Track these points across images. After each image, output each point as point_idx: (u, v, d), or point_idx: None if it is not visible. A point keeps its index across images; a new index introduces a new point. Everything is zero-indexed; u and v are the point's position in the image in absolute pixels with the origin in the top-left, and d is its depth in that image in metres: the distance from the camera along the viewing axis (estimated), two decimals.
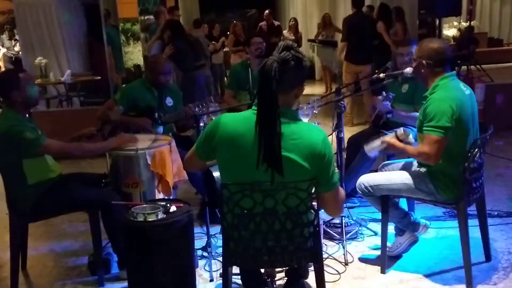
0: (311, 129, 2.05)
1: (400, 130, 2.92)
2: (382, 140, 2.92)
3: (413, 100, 3.60)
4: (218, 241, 3.40)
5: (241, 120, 2.04)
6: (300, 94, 2.08)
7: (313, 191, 2.03)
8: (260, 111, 1.93)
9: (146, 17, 12.83)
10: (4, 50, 10.05)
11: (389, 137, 2.92)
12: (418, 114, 2.88)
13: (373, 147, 2.98)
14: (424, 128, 2.69)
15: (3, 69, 10.01)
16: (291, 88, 2.02)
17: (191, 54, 6.33)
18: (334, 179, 2.08)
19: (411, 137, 2.91)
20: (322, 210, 2.20)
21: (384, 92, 3.52)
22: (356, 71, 6.79)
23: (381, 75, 3.43)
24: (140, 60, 12.20)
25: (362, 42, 6.79)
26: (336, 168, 2.10)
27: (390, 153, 3.56)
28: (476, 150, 2.73)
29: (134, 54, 12.83)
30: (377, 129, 3.76)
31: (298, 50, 2.00)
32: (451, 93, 2.71)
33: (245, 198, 2.02)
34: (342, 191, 2.18)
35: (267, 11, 10.19)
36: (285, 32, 10.22)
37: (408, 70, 3.10)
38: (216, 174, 2.71)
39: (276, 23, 10.30)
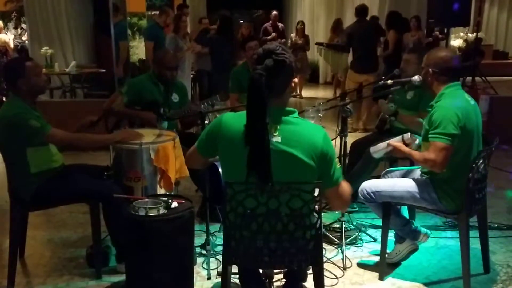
0: (311, 128, 2.07)
1: (407, 135, 2.90)
2: (388, 143, 2.92)
3: (419, 107, 3.60)
4: (217, 239, 3.39)
5: (243, 119, 2.02)
6: (294, 87, 2.13)
7: (316, 193, 2.02)
8: (249, 124, 1.93)
9: (153, 12, 12.84)
10: (11, 37, 10.05)
11: (395, 141, 2.91)
12: (423, 120, 2.87)
13: (379, 149, 2.99)
14: (430, 135, 2.68)
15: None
16: (284, 88, 2.04)
17: (231, 53, 6.44)
18: (336, 176, 2.08)
19: (417, 142, 2.90)
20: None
21: (390, 95, 3.51)
22: (358, 80, 6.79)
23: (389, 81, 3.43)
24: (145, 55, 12.16)
25: (365, 51, 6.80)
26: (338, 164, 2.10)
27: (394, 158, 3.54)
28: (481, 161, 2.72)
29: (140, 49, 12.80)
30: (382, 134, 3.75)
31: (278, 51, 1.98)
32: (456, 101, 2.71)
33: (248, 198, 2.02)
34: (346, 186, 2.15)
35: (275, 12, 10.16)
36: (292, 35, 10.20)
37: (416, 78, 3.08)
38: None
39: (281, 25, 10.26)
